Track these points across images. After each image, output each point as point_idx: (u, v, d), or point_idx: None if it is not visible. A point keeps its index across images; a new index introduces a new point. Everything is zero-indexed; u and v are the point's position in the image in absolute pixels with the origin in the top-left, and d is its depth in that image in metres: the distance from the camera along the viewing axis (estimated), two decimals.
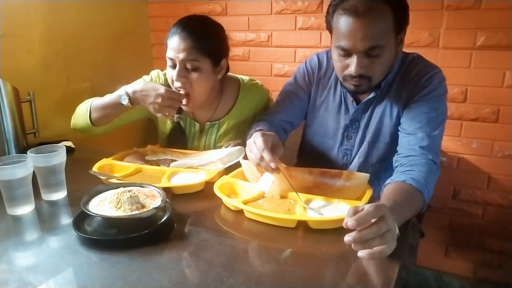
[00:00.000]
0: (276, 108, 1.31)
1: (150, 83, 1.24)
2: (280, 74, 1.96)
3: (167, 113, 1.22)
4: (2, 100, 1.29)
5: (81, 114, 1.32)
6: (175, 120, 1.39)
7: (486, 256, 1.76)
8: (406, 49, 1.20)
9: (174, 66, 1.25)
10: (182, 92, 1.26)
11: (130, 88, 1.23)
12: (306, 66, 1.32)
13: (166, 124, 1.44)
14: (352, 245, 0.71)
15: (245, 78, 1.45)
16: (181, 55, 1.21)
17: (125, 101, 1.22)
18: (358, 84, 1.09)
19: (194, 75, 1.24)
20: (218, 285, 0.70)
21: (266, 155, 0.93)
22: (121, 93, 1.24)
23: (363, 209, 0.71)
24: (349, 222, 0.69)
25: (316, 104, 1.30)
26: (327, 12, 1.10)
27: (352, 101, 1.21)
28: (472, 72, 1.59)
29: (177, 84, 1.25)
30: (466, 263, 1.80)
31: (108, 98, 1.28)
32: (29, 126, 1.45)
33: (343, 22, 1.03)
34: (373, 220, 0.71)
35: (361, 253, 0.71)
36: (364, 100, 1.18)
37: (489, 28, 1.52)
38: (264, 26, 1.93)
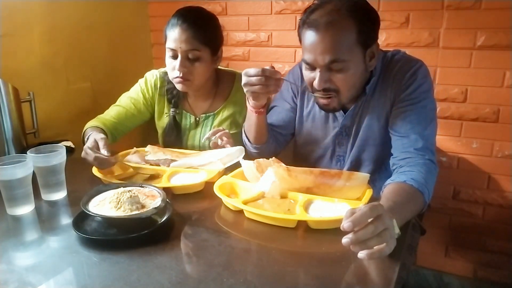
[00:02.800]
0: (268, 119, 1.31)
1: (91, 138, 1.19)
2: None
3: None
4: (2, 100, 1.29)
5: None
6: (171, 114, 1.43)
7: (486, 256, 1.75)
8: (406, 49, 1.20)
9: (175, 57, 1.28)
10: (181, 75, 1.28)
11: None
12: (289, 79, 1.31)
13: (163, 118, 1.47)
14: (351, 246, 0.71)
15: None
16: (184, 46, 1.25)
17: None
18: (327, 96, 1.08)
19: (195, 64, 1.29)
20: (218, 285, 0.70)
21: (265, 70, 1.04)
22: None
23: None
24: (345, 224, 0.69)
25: (303, 114, 1.29)
26: (298, 26, 1.09)
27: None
28: (472, 72, 1.58)
29: (178, 73, 1.28)
30: (466, 263, 1.80)
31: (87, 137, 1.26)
32: (29, 126, 1.45)
33: (306, 36, 1.04)
34: (369, 220, 0.71)
35: (361, 254, 0.71)
36: (351, 107, 1.17)
37: (489, 28, 1.52)
38: (264, 26, 1.93)
